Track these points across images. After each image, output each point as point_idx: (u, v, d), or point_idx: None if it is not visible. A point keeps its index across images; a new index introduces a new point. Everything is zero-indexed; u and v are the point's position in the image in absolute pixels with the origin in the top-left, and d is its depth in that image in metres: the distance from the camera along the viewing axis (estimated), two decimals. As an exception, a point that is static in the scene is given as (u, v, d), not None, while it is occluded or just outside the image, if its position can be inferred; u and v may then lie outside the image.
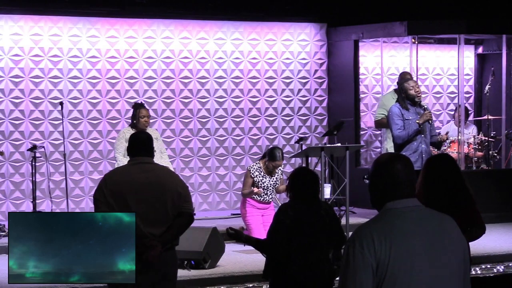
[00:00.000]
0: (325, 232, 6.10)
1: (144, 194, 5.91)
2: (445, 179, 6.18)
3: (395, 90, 12.35)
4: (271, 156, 10.04)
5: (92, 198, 12.88)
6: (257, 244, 6.48)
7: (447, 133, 11.29)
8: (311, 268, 6.05)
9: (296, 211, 6.10)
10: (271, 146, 11.20)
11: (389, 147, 12.01)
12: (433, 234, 3.53)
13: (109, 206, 5.88)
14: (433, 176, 6.18)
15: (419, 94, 10.53)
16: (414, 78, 13.45)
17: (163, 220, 5.88)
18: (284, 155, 13.41)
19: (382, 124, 12.41)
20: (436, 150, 11.65)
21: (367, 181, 3.69)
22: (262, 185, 10.03)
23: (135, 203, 5.87)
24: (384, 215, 3.57)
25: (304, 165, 11.18)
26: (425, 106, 10.52)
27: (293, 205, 6.17)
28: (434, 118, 14.84)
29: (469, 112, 14.17)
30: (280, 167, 10.13)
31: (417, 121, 10.35)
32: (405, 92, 10.51)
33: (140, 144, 6.12)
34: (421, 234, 3.51)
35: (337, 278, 5.73)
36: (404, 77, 11.79)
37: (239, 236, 6.28)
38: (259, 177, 10.08)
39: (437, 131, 13.84)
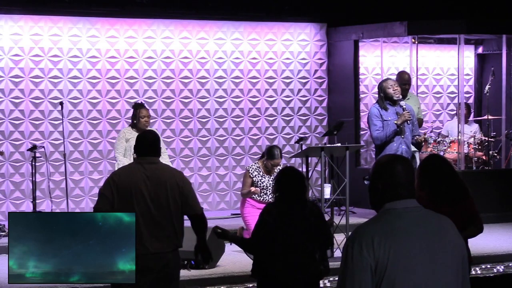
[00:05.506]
0: (310, 233, 6.12)
1: (148, 194, 5.99)
2: (443, 177, 6.19)
3: None
4: (269, 155, 10.03)
5: (91, 198, 12.90)
6: (242, 243, 6.54)
7: (425, 134, 11.10)
8: (297, 268, 6.07)
9: (280, 211, 6.13)
10: (269, 145, 11.19)
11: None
12: (432, 234, 3.54)
13: (111, 203, 5.98)
14: (432, 176, 6.18)
15: (397, 93, 10.43)
16: (414, 78, 13.47)
17: (167, 220, 5.98)
18: (284, 155, 13.44)
19: None
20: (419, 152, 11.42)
21: (366, 182, 3.69)
22: (261, 184, 10.03)
23: (138, 202, 5.97)
24: (383, 216, 3.57)
25: (304, 165, 11.16)
26: (404, 106, 10.40)
27: (278, 205, 6.20)
28: (434, 118, 14.92)
29: (471, 111, 14.16)
30: (279, 166, 10.12)
31: (394, 122, 10.28)
32: (384, 91, 10.45)
33: (147, 144, 6.21)
34: (420, 235, 3.51)
35: (331, 278, 5.77)
36: (402, 77, 11.75)
37: (225, 235, 6.39)
38: (258, 176, 10.08)
39: (440, 130, 13.89)
